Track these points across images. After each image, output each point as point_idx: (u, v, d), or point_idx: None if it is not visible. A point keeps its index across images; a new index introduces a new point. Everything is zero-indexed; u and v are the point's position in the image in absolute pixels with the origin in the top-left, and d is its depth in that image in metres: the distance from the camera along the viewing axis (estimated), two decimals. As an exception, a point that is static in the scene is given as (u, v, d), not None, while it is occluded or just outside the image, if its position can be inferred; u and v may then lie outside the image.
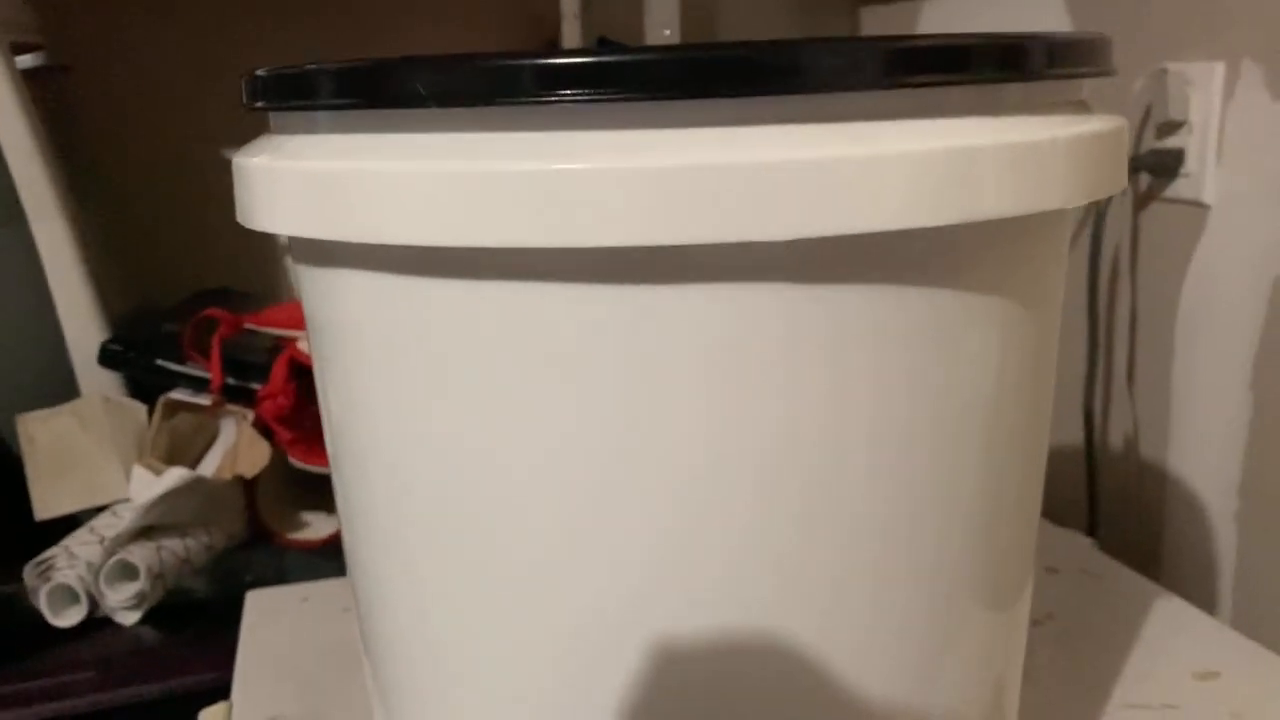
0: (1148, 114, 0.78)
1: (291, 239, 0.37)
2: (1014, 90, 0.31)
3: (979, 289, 0.32)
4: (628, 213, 0.28)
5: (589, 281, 0.30)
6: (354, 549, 0.41)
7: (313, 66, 0.31)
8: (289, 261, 1.16)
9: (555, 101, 0.28)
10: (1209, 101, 0.73)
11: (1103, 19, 0.82)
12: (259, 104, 0.34)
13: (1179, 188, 0.76)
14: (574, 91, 0.28)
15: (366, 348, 0.35)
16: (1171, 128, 0.76)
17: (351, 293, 0.34)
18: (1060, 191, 0.31)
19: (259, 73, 0.34)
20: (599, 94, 0.28)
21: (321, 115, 0.33)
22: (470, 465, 0.34)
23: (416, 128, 0.30)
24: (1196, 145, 0.75)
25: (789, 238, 0.28)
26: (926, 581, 0.36)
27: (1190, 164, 0.75)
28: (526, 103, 0.28)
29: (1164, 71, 0.75)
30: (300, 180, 0.32)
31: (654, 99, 0.28)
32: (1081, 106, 0.34)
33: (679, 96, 0.28)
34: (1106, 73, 0.34)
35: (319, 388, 0.40)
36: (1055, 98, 0.33)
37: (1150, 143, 0.78)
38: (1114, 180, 0.34)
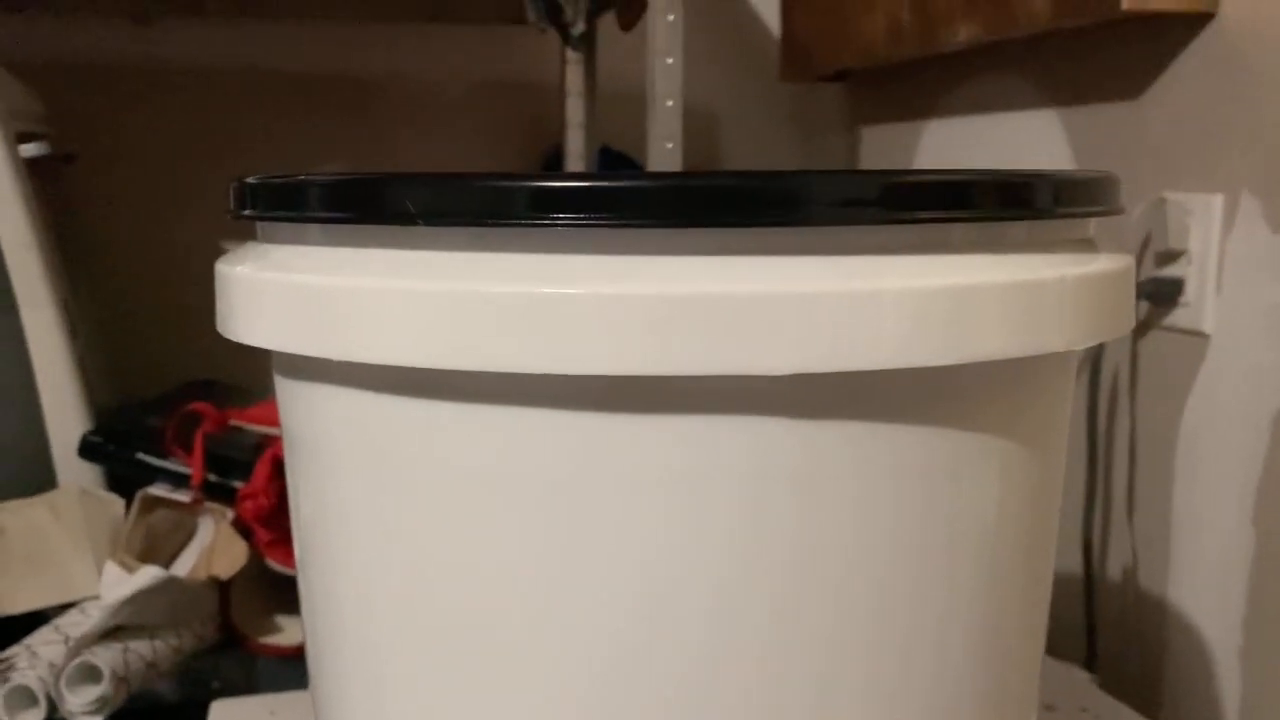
0: (1147, 242, 0.78)
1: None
2: (1020, 228, 0.31)
3: (976, 430, 0.31)
4: (618, 340, 0.27)
5: (572, 409, 0.29)
6: (318, 659, 0.39)
7: (303, 177, 0.31)
8: (281, 356, 1.15)
9: (549, 225, 0.27)
10: (1208, 232, 0.73)
11: (1101, 146, 0.83)
12: (246, 212, 0.33)
13: (1178, 317, 0.76)
14: (569, 215, 0.27)
15: (342, 463, 0.33)
16: (1171, 257, 0.76)
17: (330, 409, 0.33)
18: (1066, 333, 0.30)
19: (248, 180, 0.33)
20: (594, 219, 0.27)
21: (310, 227, 0.32)
22: (440, 584, 0.32)
23: (405, 244, 0.30)
24: (1196, 275, 0.74)
25: (782, 373, 0.27)
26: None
27: (1190, 293, 0.75)
28: (520, 225, 0.28)
29: (1163, 201, 0.76)
30: (284, 293, 0.31)
31: (650, 226, 0.27)
32: (1088, 245, 0.34)
33: (676, 225, 0.27)
34: (1114, 211, 0.33)
35: (290, 497, 0.39)
36: (1062, 235, 0.32)
37: (1149, 271, 0.77)
38: (1121, 322, 0.33)
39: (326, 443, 0.34)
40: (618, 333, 0.27)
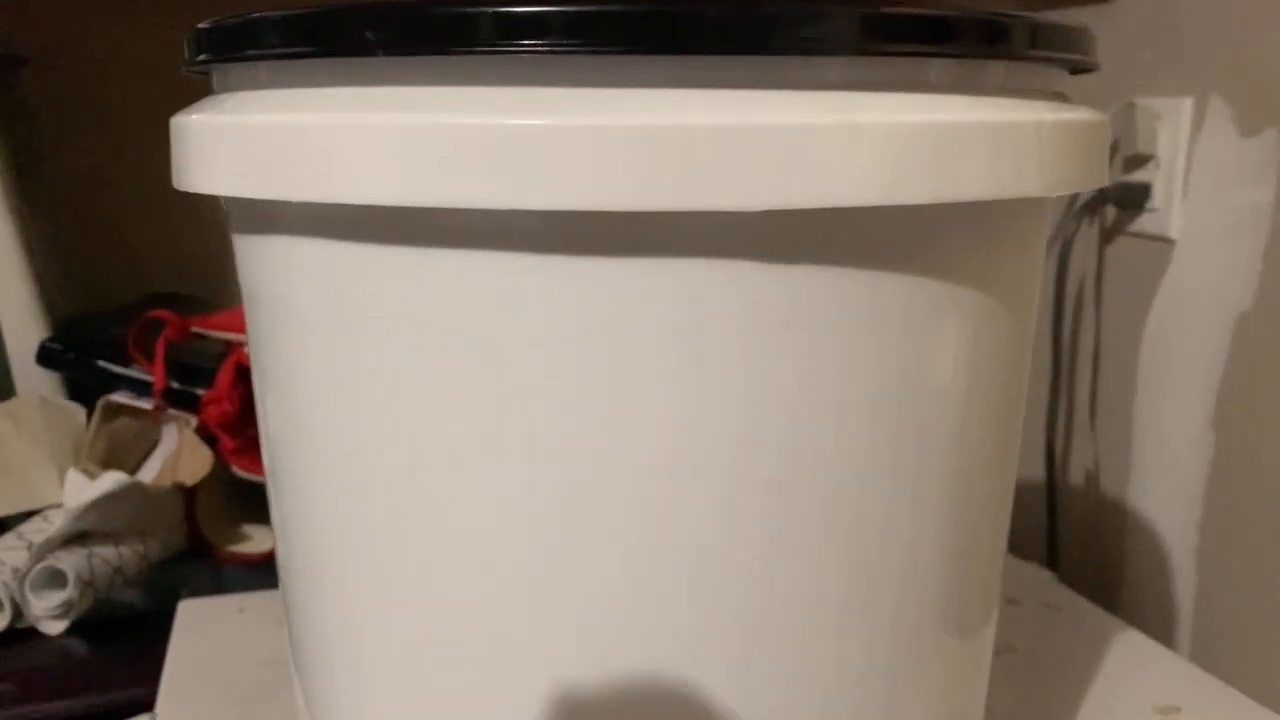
0: (1115, 147, 0.78)
1: (229, 206, 0.35)
2: (998, 69, 0.30)
3: (953, 278, 0.31)
4: (589, 173, 0.26)
5: (545, 251, 0.28)
6: (286, 555, 0.38)
7: (255, 15, 0.30)
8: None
9: (515, 52, 0.26)
10: (1176, 137, 0.73)
11: (1073, 52, 0.82)
12: (200, 58, 0.32)
13: (1145, 222, 0.76)
14: (536, 42, 0.26)
15: (306, 323, 0.33)
16: (1139, 161, 0.76)
17: (292, 262, 0.32)
18: (1043, 178, 0.30)
19: (201, 26, 0.32)
20: (563, 46, 0.26)
21: (263, 68, 0.31)
22: (417, 454, 0.31)
23: (365, 80, 0.29)
24: (1163, 180, 0.74)
25: (757, 208, 0.27)
26: (894, 593, 0.34)
27: (1157, 199, 0.75)
28: (484, 53, 0.27)
29: (1132, 105, 0.75)
30: (239, 135, 0.30)
31: (622, 54, 0.26)
32: (1062, 97, 0.33)
33: (648, 52, 0.26)
34: (1089, 63, 0.33)
35: (254, 373, 0.38)
36: (1038, 84, 0.32)
37: (1117, 176, 0.77)
38: (1096, 174, 0.32)
39: (290, 301, 0.33)
40: (588, 165, 0.26)
